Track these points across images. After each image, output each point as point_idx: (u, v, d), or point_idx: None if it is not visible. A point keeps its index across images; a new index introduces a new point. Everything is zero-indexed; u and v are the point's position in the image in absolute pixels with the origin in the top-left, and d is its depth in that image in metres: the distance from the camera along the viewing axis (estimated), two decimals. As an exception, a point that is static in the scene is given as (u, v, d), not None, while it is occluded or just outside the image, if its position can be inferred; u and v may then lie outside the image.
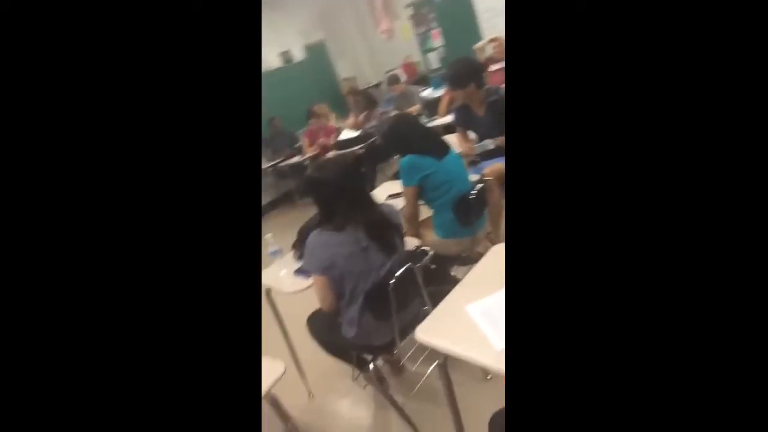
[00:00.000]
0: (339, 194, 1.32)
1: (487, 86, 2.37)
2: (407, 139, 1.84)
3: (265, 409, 1.11)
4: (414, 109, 4.19)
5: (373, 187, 2.45)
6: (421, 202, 1.89)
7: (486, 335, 0.92)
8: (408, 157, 1.79)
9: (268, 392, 1.04)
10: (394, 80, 4.51)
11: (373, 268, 1.32)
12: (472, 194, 1.78)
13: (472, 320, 0.98)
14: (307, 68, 5.49)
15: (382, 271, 1.31)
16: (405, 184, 1.81)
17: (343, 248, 1.29)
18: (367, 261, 1.31)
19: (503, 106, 2.17)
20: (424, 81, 5.35)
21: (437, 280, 1.64)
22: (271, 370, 1.06)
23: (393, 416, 1.58)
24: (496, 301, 1.02)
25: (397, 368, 1.76)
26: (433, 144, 1.84)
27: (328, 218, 1.35)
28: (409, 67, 5.93)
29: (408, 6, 5.50)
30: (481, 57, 4.10)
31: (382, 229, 1.35)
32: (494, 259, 1.23)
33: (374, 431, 1.60)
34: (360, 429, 1.64)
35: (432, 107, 4.08)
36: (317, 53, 5.83)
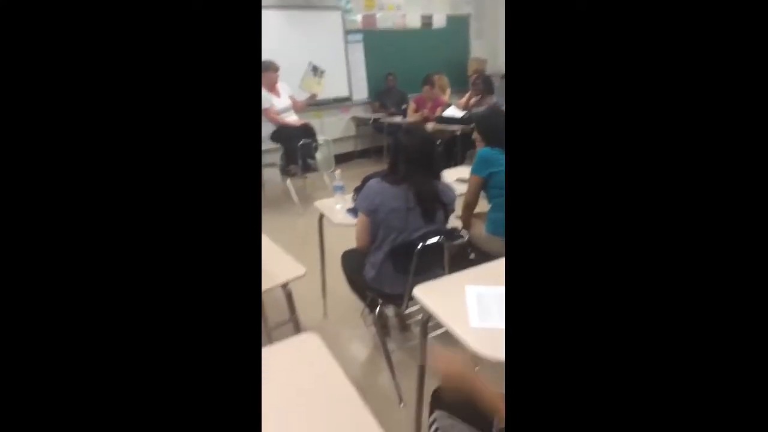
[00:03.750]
0: (409, 156, 1.48)
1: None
2: (494, 132, 1.91)
3: (280, 297, 1.36)
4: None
5: (446, 166, 2.54)
6: (484, 195, 1.97)
7: (468, 312, 1.05)
8: (486, 149, 1.87)
9: (286, 284, 1.27)
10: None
11: (409, 228, 1.47)
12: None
13: (465, 298, 1.11)
14: (443, 38, 5.53)
15: (415, 234, 1.46)
16: (473, 172, 1.89)
17: (392, 201, 1.45)
18: (406, 220, 1.47)
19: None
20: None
21: (466, 265, 1.75)
22: (296, 270, 1.29)
23: (383, 360, 1.78)
24: (494, 292, 1.12)
25: (404, 325, 1.94)
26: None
27: (391, 172, 1.52)
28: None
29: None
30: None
31: (430, 200, 1.49)
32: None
33: (364, 366, 1.82)
34: (354, 360, 1.87)
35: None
36: (458, 26, 5.81)
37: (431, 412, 0.95)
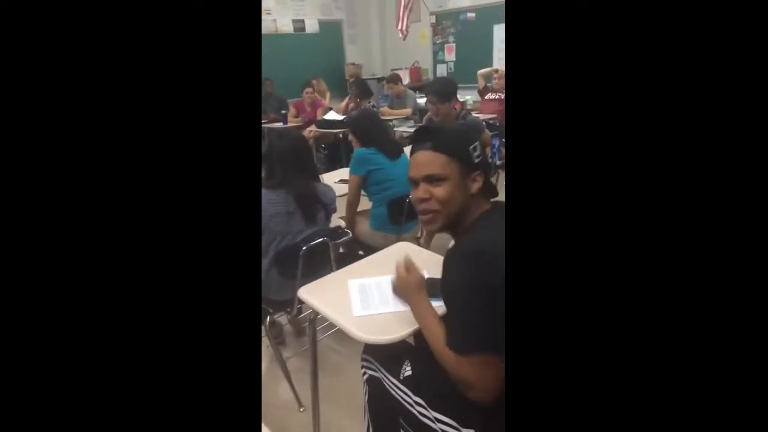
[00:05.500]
0: (284, 160, 1.48)
1: (463, 110, 2.59)
2: (367, 133, 2.00)
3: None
4: (404, 112, 4.34)
5: (331, 168, 2.60)
6: (364, 193, 2.05)
7: (351, 303, 1.10)
8: (361, 149, 1.96)
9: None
10: (393, 79, 4.62)
11: (292, 232, 1.48)
12: (409, 198, 1.96)
13: (349, 291, 1.16)
14: (317, 43, 5.58)
15: (299, 237, 1.48)
16: (352, 172, 1.97)
17: (271, 206, 1.44)
18: (288, 224, 1.47)
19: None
20: (425, 89, 5.44)
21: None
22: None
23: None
24: (375, 282, 1.20)
25: (298, 330, 1.93)
26: (388, 144, 2.01)
27: (268, 177, 1.50)
28: (415, 71, 6.09)
29: (432, 14, 5.66)
30: (481, 83, 4.33)
31: (310, 201, 1.51)
32: (396, 252, 1.41)
33: (264, 378, 1.77)
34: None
35: (424, 114, 4.22)
36: (331, 31, 5.92)
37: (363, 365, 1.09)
